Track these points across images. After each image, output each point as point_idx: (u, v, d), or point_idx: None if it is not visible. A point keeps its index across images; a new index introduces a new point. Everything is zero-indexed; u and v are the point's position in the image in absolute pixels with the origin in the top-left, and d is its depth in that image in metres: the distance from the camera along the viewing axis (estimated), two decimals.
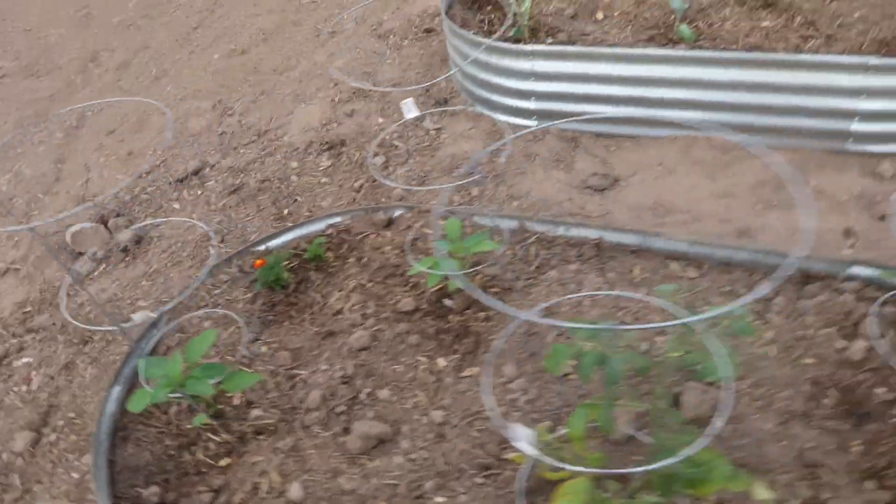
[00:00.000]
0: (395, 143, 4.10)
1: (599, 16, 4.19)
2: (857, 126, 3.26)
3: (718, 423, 1.55)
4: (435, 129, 4.16)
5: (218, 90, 5.07)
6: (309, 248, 2.87)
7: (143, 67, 5.76)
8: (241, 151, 4.34)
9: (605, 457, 1.83)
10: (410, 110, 2.78)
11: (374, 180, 3.79)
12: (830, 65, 3.16)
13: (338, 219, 3.07)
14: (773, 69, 3.25)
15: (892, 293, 2.31)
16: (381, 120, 4.32)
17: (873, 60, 3.10)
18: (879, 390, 2.09)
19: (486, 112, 4.10)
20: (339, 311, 2.67)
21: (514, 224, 2.93)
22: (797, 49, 3.55)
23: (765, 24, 3.80)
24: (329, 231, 3.01)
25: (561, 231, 2.84)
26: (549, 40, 4.04)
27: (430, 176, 3.77)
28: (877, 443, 1.98)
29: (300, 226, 3.07)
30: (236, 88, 5.06)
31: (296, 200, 3.76)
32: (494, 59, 3.83)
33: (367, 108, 4.44)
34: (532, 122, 3.93)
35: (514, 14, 4.11)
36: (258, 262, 2.81)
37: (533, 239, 2.86)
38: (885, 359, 2.10)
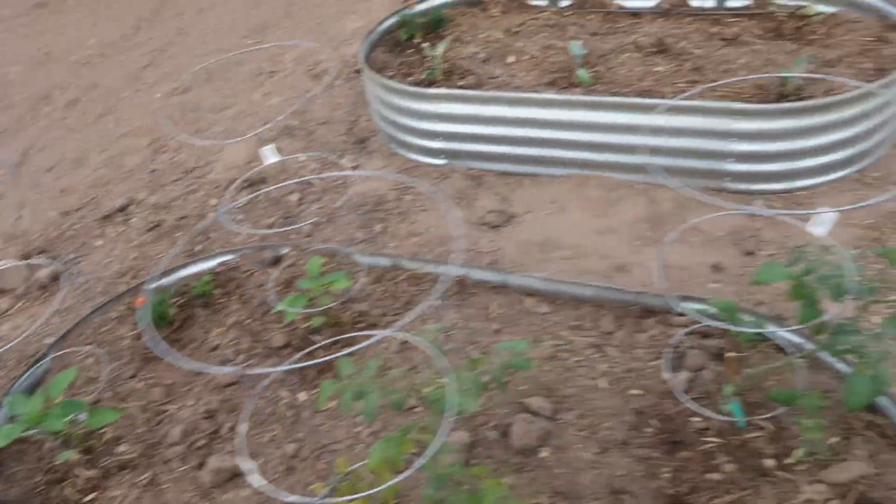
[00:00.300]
0: (311, 180, 4.28)
1: (510, 59, 4.40)
2: (731, 166, 3.44)
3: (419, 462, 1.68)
4: (351, 167, 4.34)
5: (156, 128, 5.26)
6: (196, 285, 3.02)
7: (91, 105, 5.94)
8: (168, 188, 4.50)
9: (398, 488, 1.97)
10: (269, 157, 2.94)
11: (287, 216, 3.96)
12: (701, 109, 3.35)
13: (229, 256, 3.22)
14: (653, 113, 3.43)
15: (687, 330, 2.45)
16: (302, 158, 4.49)
17: (737, 105, 3.30)
18: (695, 419, 2.23)
19: (400, 151, 4.28)
20: (216, 348, 2.81)
21: (387, 262, 3.09)
22: (682, 93, 3.75)
23: (658, 68, 4.00)
24: (219, 269, 3.16)
25: (430, 268, 3.00)
26: (461, 83, 4.24)
27: (337, 213, 3.93)
28: (684, 470, 2.11)
29: (194, 263, 3.22)
30: (174, 126, 5.24)
31: (209, 237, 3.92)
32: (404, 102, 4.02)
33: (290, 147, 4.61)
34: (441, 161, 4.11)
35: (429, 57, 4.33)
36: (138, 300, 2.95)
37: (405, 276, 3.01)
38: (678, 395, 2.24)
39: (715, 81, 3.76)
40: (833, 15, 4.09)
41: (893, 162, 3.56)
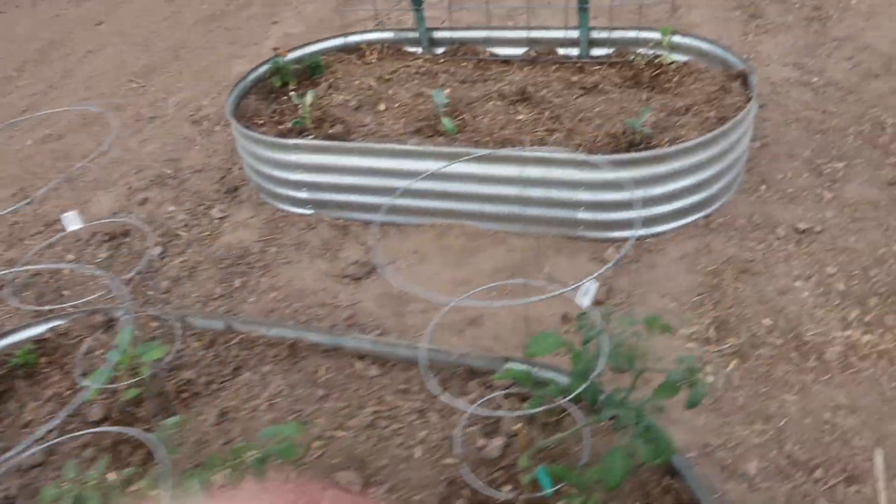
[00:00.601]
0: (179, 231, 4.16)
1: (381, 107, 4.41)
2: (583, 215, 3.51)
3: None
4: (220, 218, 4.25)
5: (23, 177, 5.05)
6: (18, 353, 2.87)
7: None
8: (27, 243, 4.30)
9: None
10: (72, 223, 2.84)
11: (148, 270, 3.84)
12: (549, 160, 3.42)
13: (60, 321, 3.08)
14: (506, 164, 3.48)
15: (505, 392, 2.45)
16: (172, 208, 4.38)
17: (581, 156, 3.38)
18: (506, 488, 2.22)
19: (270, 201, 4.22)
20: (29, 423, 2.66)
21: (221, 324, 3.01)
22: (542, 141, 3.83)
23: (520, 117, 4.08)
24: (48, 335, 3.02)
25: (262, 331, 2.93)
26: (331, 131, 4.22)
27: (199, 267, 3.83)
28: None
29: (23, 328, 3.07)
30: (43, 175, 5.04)
31: (62, 295, 3.75)
32: (266, 152, 3.97)
33: (160, 197, 4.49)
34: (308, 211, 4.06)
35: (300, 105, 4.30)
36: None
37: (238, 339, 2.94)
38: (465, 474, 2.20)
39: (571, 130, 3.86)
40: (686, 64, 4.26)
41: (737, 207, 3.71)
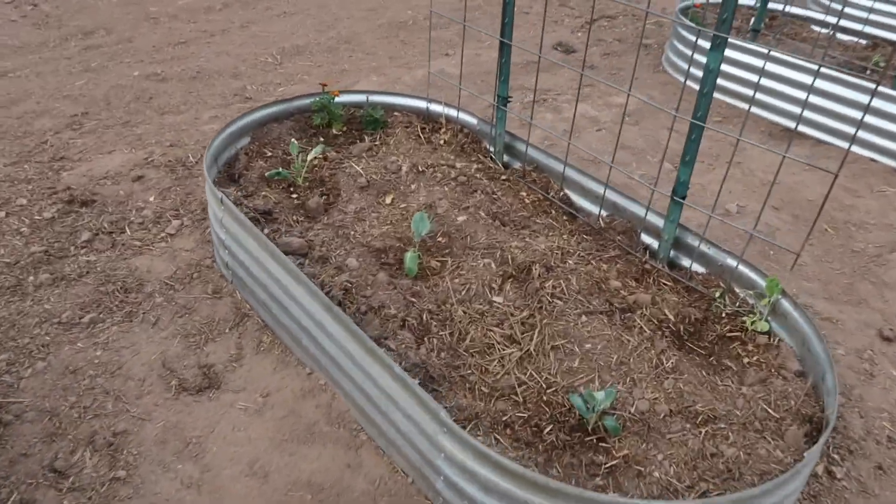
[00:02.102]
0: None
1: (387, 200, 3.55)
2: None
3: None
4: (169, 234, 3.73)
5: None
6: None
7: None
8: None
9: None
10: None
11: None
12: None
13: None
14: None
15: None
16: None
17: None
18: None
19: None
20: None
21: None
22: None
23: (497, 299, 2.95)
24: None
25: None
26: (308, 202, 3.47)
27: None
28: None
29: None
30: None
31: None
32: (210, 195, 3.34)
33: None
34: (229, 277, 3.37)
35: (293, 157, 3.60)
36: None
37: None
38: None
39: (536, 366, 2.68)
40: (775, 345, 2.78)
41: None
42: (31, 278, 3.35)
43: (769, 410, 2.49)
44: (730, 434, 2.43)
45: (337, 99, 4.02)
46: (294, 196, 3.55)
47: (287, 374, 2.97)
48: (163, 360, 3.00)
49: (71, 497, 2.45)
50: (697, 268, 3.17)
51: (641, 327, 2.84)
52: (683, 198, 3.01)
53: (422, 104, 4.17)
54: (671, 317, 2.91)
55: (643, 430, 2.45)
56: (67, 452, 2.59)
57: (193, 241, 3.67)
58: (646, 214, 3.25)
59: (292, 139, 3.83)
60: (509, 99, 3.69)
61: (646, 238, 3.33)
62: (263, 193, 3.47)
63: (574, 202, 3.62)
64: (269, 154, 3.81)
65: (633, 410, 2.50)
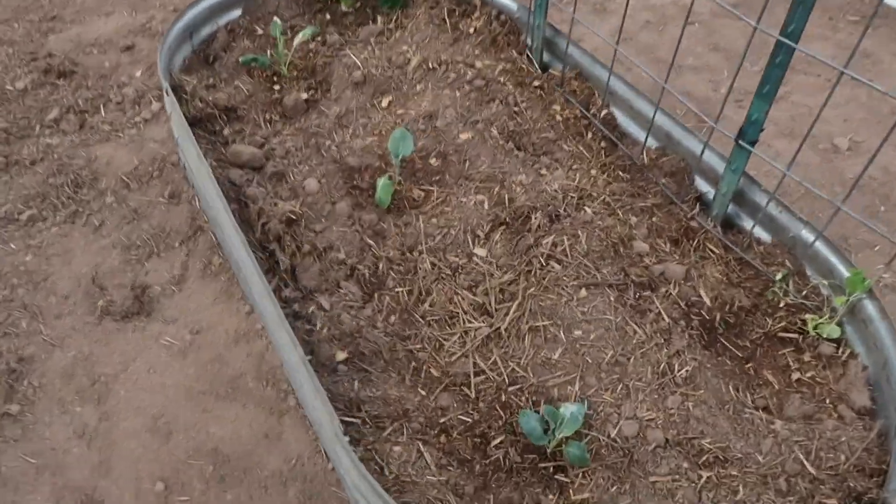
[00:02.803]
0: None
1: (384, 103, 2.89)
2: None
3: None
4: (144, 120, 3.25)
5: None
6: None
7: None
8: None
9: None
10: None
11: None
12: None
13: None
14: None
15: None
16: None
17: None
18: None
19: None
20: None
21: None
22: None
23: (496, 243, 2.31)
24: None
25: None
26: (287, 97, 2.86)
27: None
28: None
29: None
30: None
31: None
32: None
33: None
34: None
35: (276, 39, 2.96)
36: None
37: None
38: None
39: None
40: (845, 358, 2.03)
41: None
42: None
43: (805, 464, 1.79)
44: (740, 489, 1.77)
45: None
46: (276, 88, 2.94)
47: (226, 308, 2.51)
48: (94, 273, 2.60)
49: None
50: (762, 234, 2.38)
51: (660, 313, 2.14)
52: (753, 143, 2.18)
53: None
54: (707, 300, 2.18)
55: (621, 464, 1.83)
56: None
57: (167, 131, 3.17)
58: (702, 153, 2.44)
59: (278, 17, 3.16)
60: None
61: (702, 184, 2.54)
62: (237, 83, 2.89)
63: (620, 125, 2.82)
64: (260, 32, 3.18)
65: (614, 434, 1.87)
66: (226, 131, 2.69)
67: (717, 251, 2.34)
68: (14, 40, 3.64)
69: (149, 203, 2.86)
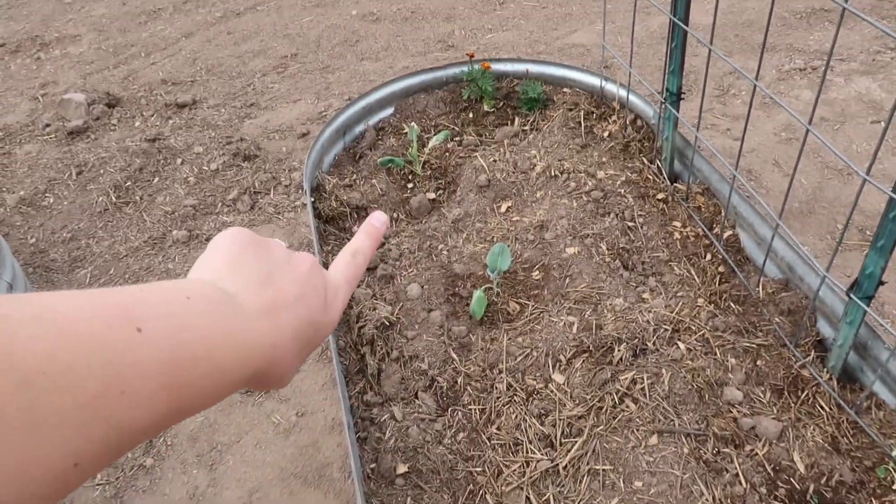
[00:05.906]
0: None
1: (503, 208, 2.97)
2: None
3: None
4: None
5: None
6: None
7: None
8: None
9: None
10: None
11: None
12: None
13: None
14: None
15: None
16: None
17: None
18: None
19: None
20: None
21: None
22: None
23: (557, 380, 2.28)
24: None
25: None
26: (413, 199, 3.07)
27: None
28: None
29: None
30: None
31: None
32: None
33: None
34: None
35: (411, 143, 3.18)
36: None
37: None
38: None
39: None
40: None
41: None
42: (174, 232, 3.56)
43: None
44: None
45: (493, 66, 3.43)
46: (409, 187, 3.17)
47: (331, 395, 2.74)
48: None
49: (100, 472, 2.59)
50: (886, 395, 2.09)
51: (738, 474, 1.97)
52: (870, 298, 1.95)
53: (596, 81, 3.37)
54: (801, 466, 1.97)
55: None
56: None
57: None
58: (815, 296, 2.21)
59: (426, 115, 3.40)
60: (682, 96, 2.75)
61: (825, 327, 2.29)
62: (374, 181, 3.16)
63: (744, 249, 2.64)
64: (406, 131, 3.44)
65: None
66: (354, 228, 2.95)
67: (828, 409, 2.10)
68: (218, 124, 4.29)
69: None
